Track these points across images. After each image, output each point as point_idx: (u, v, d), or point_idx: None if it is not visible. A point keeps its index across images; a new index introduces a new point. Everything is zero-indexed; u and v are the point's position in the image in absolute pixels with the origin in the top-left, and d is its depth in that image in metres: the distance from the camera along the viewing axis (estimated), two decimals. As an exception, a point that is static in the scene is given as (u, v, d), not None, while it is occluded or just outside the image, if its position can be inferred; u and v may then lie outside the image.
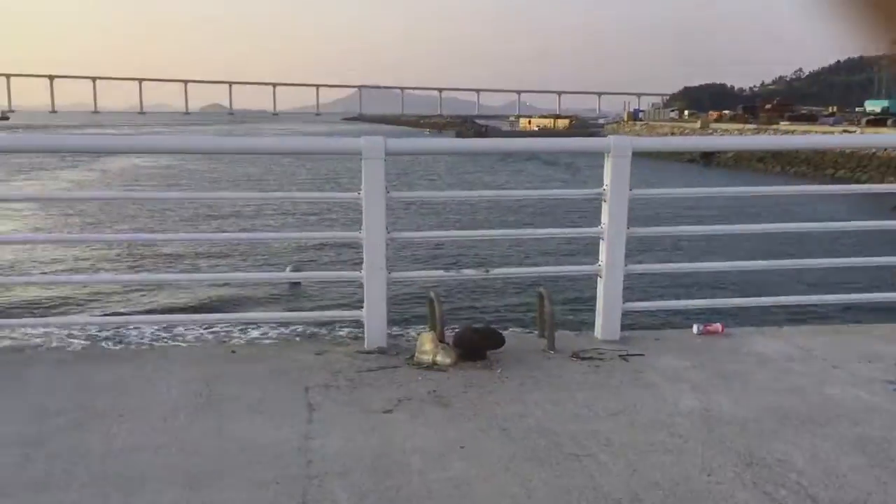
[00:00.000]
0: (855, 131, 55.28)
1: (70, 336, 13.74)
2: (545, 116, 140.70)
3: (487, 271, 5.81)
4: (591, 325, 5.25)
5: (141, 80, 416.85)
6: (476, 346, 4.65)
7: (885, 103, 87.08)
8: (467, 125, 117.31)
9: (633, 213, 5.01)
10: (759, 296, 6.53)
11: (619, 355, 4.74)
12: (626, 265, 5.10)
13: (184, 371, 4.38)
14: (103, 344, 13.17)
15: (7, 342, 12.95)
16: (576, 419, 3.76)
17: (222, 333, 13.96)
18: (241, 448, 3.40)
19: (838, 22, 0.88)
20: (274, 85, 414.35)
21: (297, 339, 13.29)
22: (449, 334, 4.72)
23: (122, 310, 15.85)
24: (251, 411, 3.82)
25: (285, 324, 14.51)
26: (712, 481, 3.15)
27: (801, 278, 12.72)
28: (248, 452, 3.35)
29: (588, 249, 5.79)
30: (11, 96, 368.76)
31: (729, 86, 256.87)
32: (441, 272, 7.16)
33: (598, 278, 5.15)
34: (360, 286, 4.90)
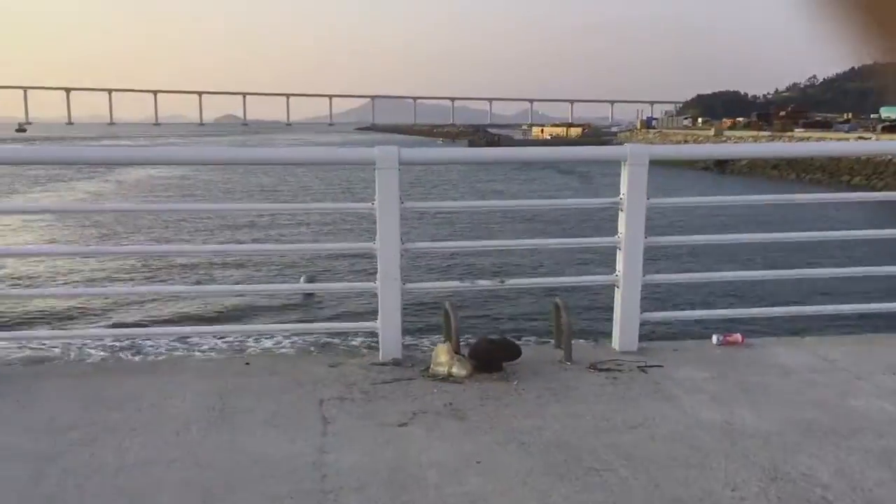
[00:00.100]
0: (870, 138, 54.82)
1: (86, 347, 13.81)
2: (558, 125, 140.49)
3: (502, 281, 5.77)
4: (609, 335, 5.18)
5: (156, 92, 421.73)
6: (492, 357, 4.59)
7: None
8: (480, 134, 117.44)
9: (649, 223, 4.96)
10: (778, 305, 6.45)
11: (638, 366, 4.66)
12: (643, 275, 5.03)
13: (197, 383, 4.36)
14: (120, 355, 13.23)
15: (23, 353, 13.00)
16: (595, 432, 3.69)
17: (236, 344, 13.98)
18: (254, 462, 3.36)
19: (841, 29, 0.85)
20: (287, 96, 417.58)
21: (312, 349, 13.26)
22: (464, 345, 4.66)
23: (137, 321, 15.93)
24: (265, 424, 3.79)
25: (299, 334, 14.53)
26: (736, 497, 3.08)
27: (818, 287, 12.58)
28: (261, 466, 3.32)
29: (604, 259, 5.73)
30: (29, 109, 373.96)
31: (742, 93, 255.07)
32: (456, 283, 7.14)
33: (616, 288, 5.08)
34: (375, 297, 4.87)
